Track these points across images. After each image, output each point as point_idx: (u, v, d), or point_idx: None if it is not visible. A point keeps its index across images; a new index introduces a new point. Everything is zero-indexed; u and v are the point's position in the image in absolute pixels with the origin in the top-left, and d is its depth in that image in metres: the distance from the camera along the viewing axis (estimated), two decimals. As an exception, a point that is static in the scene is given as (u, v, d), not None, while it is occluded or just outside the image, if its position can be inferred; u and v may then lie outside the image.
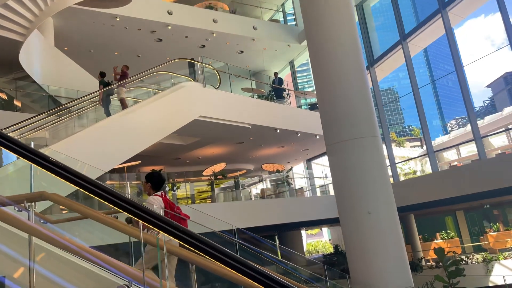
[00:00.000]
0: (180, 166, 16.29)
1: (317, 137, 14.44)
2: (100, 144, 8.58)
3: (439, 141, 17.30)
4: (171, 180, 13.96)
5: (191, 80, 11.59)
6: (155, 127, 9.62)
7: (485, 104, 44.51)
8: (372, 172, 6.36)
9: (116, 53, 16.41)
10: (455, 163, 15.47)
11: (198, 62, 11.27)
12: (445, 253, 13.86)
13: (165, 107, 9.96)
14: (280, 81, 14.72)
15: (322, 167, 20.94)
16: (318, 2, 7.63)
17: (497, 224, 17.60)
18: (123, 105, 9.71)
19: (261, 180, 18.26)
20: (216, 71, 11.91)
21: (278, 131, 12.90)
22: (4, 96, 12.24)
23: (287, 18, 20.64)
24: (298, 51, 18.66)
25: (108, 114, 9.53)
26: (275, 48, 18.08)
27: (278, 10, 20.55)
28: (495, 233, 16.69)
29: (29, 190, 6.71)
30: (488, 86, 43.88)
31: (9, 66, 11.20)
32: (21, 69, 11.02)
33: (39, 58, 11.40)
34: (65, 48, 14.27)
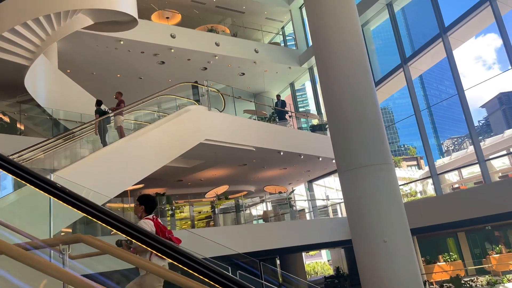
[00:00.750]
0: (182, 188, 16.17)
1: (320, 159, 14.45)
2: (106, 170, 8.51)
3: (440, 162, 17.37)
4: (174, 202, 13.82)
5: (195, 103, 11.61)
6: (161, 151, 9.57)
7: (480, 124, 44.93)
8: (386, 200, 6.32)
9: (118, 75, 16.47)
10: (457, 185, 15.49)
11: (203, 85, 11.30)
12: (450, 276, 13.75)
13: (171, 131, 9.94)
14: (283, 103, 14.81)
15: (323, 188, 20.89)
16: (327, 26, 7.74)
17: (499, 246, 17.53)
18: (121, 133, 9.49)
19: (262, 201, 18.17)
20: (221, 94, 11.96)
21: (281, 153, 12.89)
22: (7, 119, 12.19)
23: (287, 40, 20.91)
24: (298, 73, 18.84)
25: (104, 143, 9.30)
26: (276, 70, 18.25)
27: (278, 33, 20.82)
28: (498, 255, 16.60)
29: (38, 219, 6.60)
30: (482, 106, 44.33)
31: (14, 89, 11.19)
32: (25, 92, 11.01)
33: (44, 82, 11.40)
34: (68, 70, 14.28)
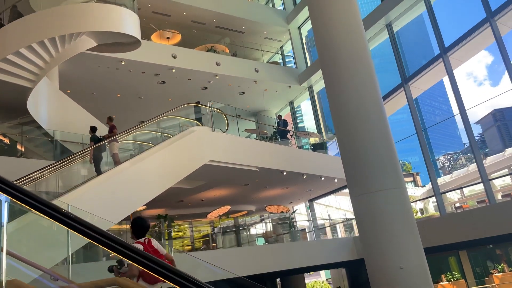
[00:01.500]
0: (183, 209, 15.99)
1: (322, 178, 14.39)
2: (110, 195, 8.37)
3: (441, 180, 17.36)
4: (173, 223, 13.63)
5: (199, 124, 11.56)
6: (166, 174, 9.46)
7: (475, 140, 45.11)
8: (400, 225, 6.24)
9: (118, 95, 16.42)
10: (458, 204, 15.44)
11: (207, 106, 11.26)
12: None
13: (175, 152, 9.85)
14: (285, 123, 14.81)
15: (325, 207, 20.78)
16: (335, 46, 7.79)
17: (502, 264, 17.42)
18: (116, 161, 9.11)
19: (262, 220, 18.01)
20: (224, 115, 11.94)
21: (284, 173, 12.82)
22: (7, 141, 12.03)
23: (286, 59, 21.07)
24: (298, 92, 18.92)
25: (99, 172, 8.89)
26: (276, 89, 18.31)
27: (277, 52, 20.98)
28: (500, 274, 16.46)
29: (43, 246, 6.42)
30: (477, 123, 44.77)
31: (15, 111, 11.07)
32: (27, 114, 10.90)
33: (46, 103, 11.30)
34: (68, 91, 14.20)
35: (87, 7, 10.22)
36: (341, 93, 7.36)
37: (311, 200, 18.34)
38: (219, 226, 14.22)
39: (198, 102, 12.78)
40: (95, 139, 9.59)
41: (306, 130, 19.85)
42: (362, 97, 7.04)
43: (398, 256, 6.09)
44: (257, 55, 20.13)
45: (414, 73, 13.72)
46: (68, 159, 9.29)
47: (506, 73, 10.68)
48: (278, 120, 15.05)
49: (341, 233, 20.07)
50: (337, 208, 23.62)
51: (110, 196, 8.35)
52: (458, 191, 15.64)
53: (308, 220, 17.30)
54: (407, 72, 14.34)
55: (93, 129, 9.88)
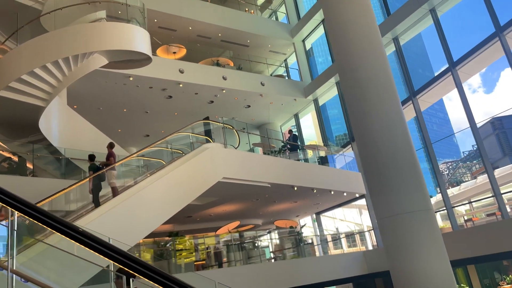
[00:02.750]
0: (191, 224, 15.85)
1: (332, 192, 14.34)
2: (126, 217, 8.23)
3: (449, 193, 17.33)
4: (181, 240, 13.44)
5: (209, 140, 11.50)
6: (181, 193, 9.37)
7: (474, 148, 45.24)
8: (427, 248, 6.17)
9: (124, 110, 16.35)
10: (465, 217, 15.38)
11: (219, 123, 11.22)
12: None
13: (190, 171, 9.77)
14: (295, 137, 14.78)
15: (331, 220, 20.68)
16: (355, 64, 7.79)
17: (510, 276, 17.35)
18: (114, 192, 8.47)
19: (269, 232, 17.89)
20: (236, 131, 11.87)
21: (295, 188, 12.75)
22: (16, 159, 11.89)
23: (290, 71, 21.12)
24: (303, 104, 18.93)
25: (97, 204, 8.28)
26: (281, 102, 18.31)
27: (281, 65, 21.05)
28: (509, 285, 16.40)
29: (65, 269, 6.31)
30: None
31: (24, 129, 10.96)
32: (38, 132, 10.80)
33: (57, 121, 11.21)
34: (75, 106, 14.13)
35: (100, 26, 10.21)
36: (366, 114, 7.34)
37: (318, 213, 18.25)
38: (230, 242, 13.96)
39: (207, 118, 12.73)
40: (93, 168, 8.89)
41: (308, 143, 19.79)
42: (390, 129, 7.00)
43: (425, 278, 6.01)
44: (260, 68, 20.17)
45: (422, 86, 13.76)
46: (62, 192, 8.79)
47: (500, 80, 10.75)
48: (289, 134, 15.02)
49: (345, 247, 20.00)
50: (341, 220, 23.53)
51: (127, 216, 8.24)
52: (469, 205, 15.58)
53: (315, 235, 17.15)
54: (414, 85, 14.39)
55: (91, 158, 9.19)
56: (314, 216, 18.58)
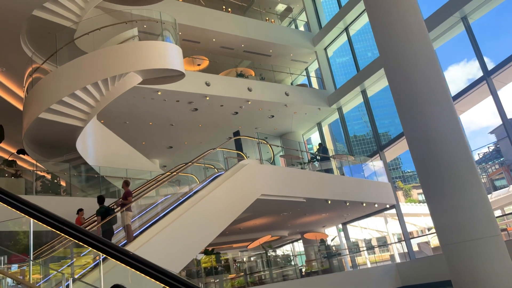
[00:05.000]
0: (219, 237, 15.68)
1: (364, 204, 14.14)
2: (173, 241, 8.09)
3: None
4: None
5: (243, 156, 11.35)
6: (222, 215, 9.22)
7: (490, 150, 44.94)
8: (499, 277, 5.93)
9: (150, 123, 16.29)
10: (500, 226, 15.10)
11: (255, 138, 11.09)
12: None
13: (230, 190, 9.62)
14: (325, 150, 14.61)
15: (355, 229, 20.44)
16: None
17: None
18: (128, 233, 7.69)
19: (295, 241, 17.66)
20: (270, 146, 11.74)
21: (329, 202, 12.57)
22: (49, 177, 11.85)
23: (311, 80, 20.98)
24: (327, 113, 18.76)
25: None
26: (305, 112, 18.16)
27: (302, 73, 20.91)
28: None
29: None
30: (491, 132, 44.29)
31: (60, 149, 10.92)
32: (73, 150, 10.75)
33: (92, 140, 11.17)
34: (102, 121, 14.09)
35: (136, 46, 10.16)
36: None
37: (345, 224, 18.03)
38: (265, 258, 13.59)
39: (238, 133, 12.62)
40: (101, 213, 7.91)
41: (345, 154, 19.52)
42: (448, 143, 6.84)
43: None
44: (282, 76, 20.04)
45: (457, 94, 13.57)
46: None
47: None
48: (319, 147, 14.86)
49: (366, 253, 19.72)
50: (364, 228, 23.28)
51: (173, 240, 8.11)
52: (499, 211, 15.32)
53: (346, 249, 16.92)
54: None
55: (100, 200, 8.20)
56: (341, 226, 18.36)
